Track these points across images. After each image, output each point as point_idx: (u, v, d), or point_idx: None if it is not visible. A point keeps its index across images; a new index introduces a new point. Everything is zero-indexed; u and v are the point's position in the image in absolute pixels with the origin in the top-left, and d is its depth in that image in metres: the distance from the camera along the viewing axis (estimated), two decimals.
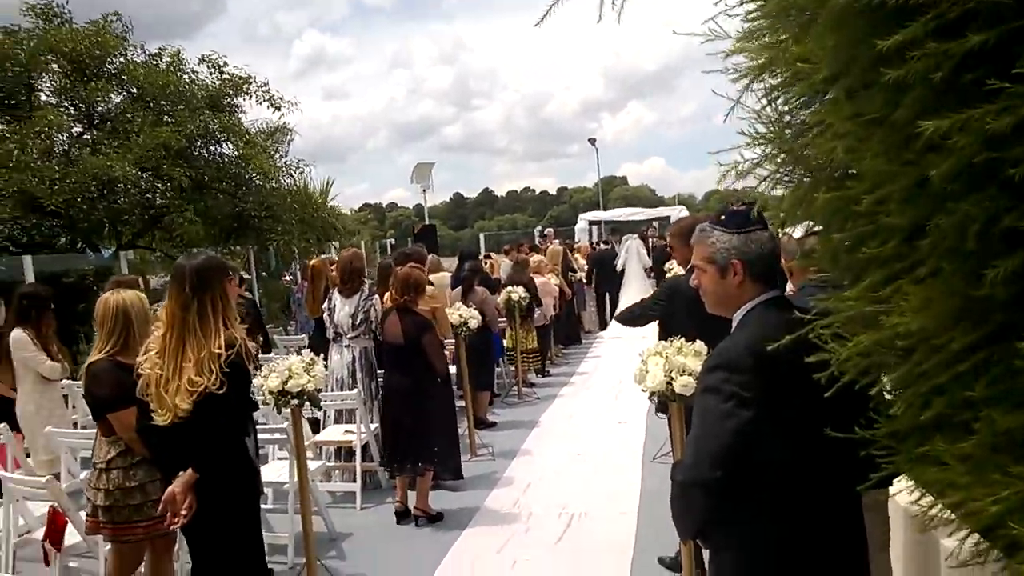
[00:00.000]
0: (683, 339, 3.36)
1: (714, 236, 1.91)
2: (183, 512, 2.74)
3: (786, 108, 1.92)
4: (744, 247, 1.86)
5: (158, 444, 2.89)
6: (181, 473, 2.77)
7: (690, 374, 3.16)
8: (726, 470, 1.65)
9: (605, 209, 25.79)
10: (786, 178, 1.89)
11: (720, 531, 1.79)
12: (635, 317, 4.01)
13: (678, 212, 19.58)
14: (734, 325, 1.91)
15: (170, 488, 2.78)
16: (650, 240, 15.49)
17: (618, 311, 12.82)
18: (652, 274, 13.76)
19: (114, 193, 9.80)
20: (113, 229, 10.75)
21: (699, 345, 3.33)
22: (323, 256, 10.30)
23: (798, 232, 2.55)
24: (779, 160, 1.87)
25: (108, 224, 10.47)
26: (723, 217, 1.93)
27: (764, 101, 1.93)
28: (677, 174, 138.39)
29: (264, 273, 13.19)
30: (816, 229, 2.26)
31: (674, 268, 10.99)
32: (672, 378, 3.16)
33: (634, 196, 62.93)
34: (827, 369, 1.57)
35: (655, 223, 19.58)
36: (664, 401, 3.35)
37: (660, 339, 3.71)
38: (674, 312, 3.94)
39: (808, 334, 1.61)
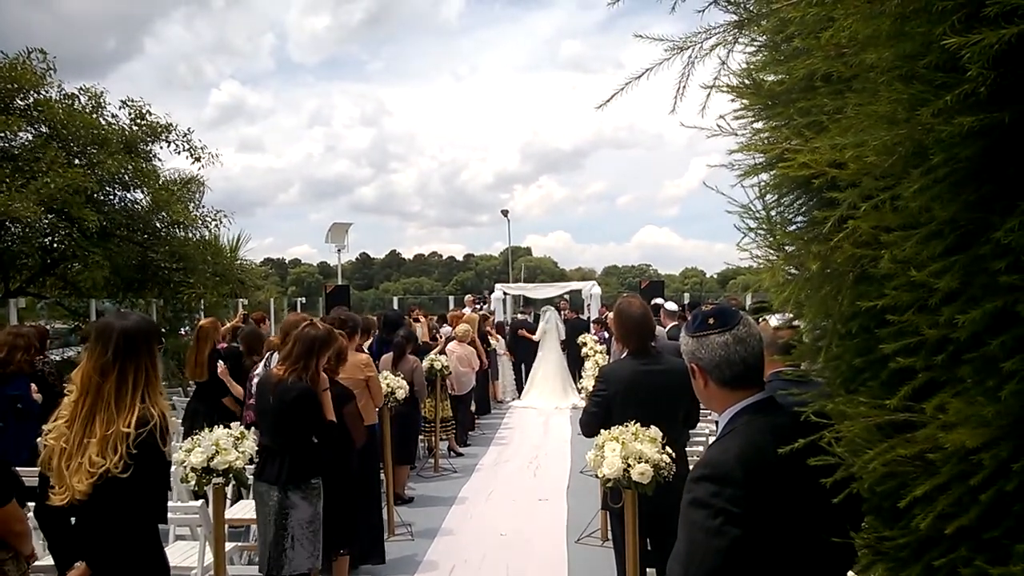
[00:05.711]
0: (638, 423, 3.33)
1: (683, 338, 1.88)
2: None
3: (774, 202, 1.97)
4: (697, 351, 1.81)
5: (55, 528, 2.54)
6: (76, 565, 2.44)
7: (647, 461, 3.11)
8: None
9: (512, 279, 26.08)
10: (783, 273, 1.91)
11: None
12: (591, 420, 3.90)
13: (589, 287, 19.97)
14: (720, 427, 1.85)
15: None
16: (562, 313, 15.61)
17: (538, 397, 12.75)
18: (565, 347, 13.81)
19: (9, 234, 8.97)
20: (2, 273, 9.78)
21: (654, 431, 3.30)
22: (210, 318, 9.75)
23: (774, 321, 2.58)
24: (773, 258, 1.89)
25: None
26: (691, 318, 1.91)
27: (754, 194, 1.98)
28: (579, 249, 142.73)
29: (165, 328, 12.33)
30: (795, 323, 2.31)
31: (588, 342, 11.11)
32: (629, 465, 3.10)
33: (537, 267, 64.51)
34: (831, 474, 1.56)
35: (566, 296, 19.85)
36: (617, 490, 3.26)
37: (601, 425, 3.62)
38: (613, 397, 3.88)
39: (814, 439, 1.59)
